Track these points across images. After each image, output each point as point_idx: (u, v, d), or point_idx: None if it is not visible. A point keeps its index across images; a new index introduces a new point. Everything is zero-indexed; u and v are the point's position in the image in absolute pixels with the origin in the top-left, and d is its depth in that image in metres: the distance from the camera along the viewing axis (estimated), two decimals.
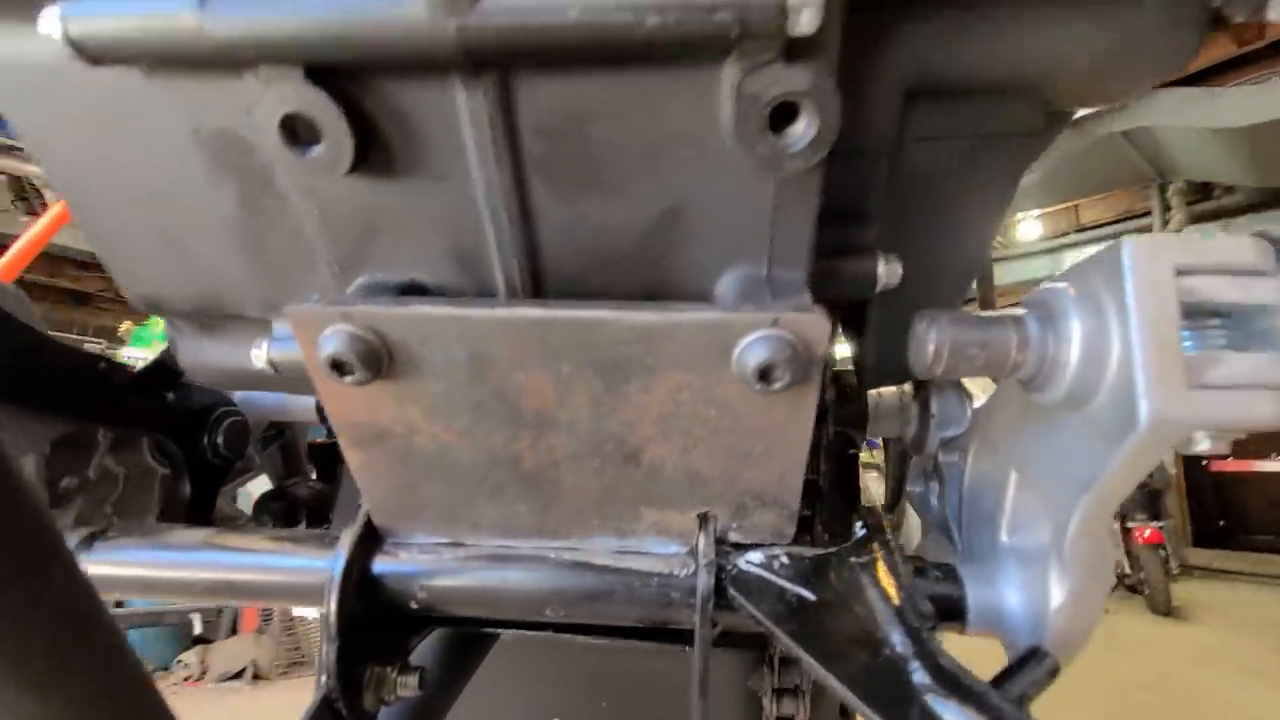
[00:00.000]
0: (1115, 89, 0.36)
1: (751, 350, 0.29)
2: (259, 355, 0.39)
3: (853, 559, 0.37)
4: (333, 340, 0.30)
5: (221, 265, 0.36)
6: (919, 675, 0.31)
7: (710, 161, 0.28)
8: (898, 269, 0.37)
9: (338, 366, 0.31)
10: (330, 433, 0.85)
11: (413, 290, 0.34)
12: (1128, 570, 4.41)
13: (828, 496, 0.47)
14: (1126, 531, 4.33)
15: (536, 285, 0.33)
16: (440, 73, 0.26)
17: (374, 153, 0.28)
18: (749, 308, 0.29)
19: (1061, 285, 0.30)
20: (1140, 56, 0.33)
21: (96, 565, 0.42)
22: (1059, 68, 0.32)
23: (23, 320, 0.42)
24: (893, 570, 0.36)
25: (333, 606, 0.37)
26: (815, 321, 0.28)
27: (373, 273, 0.34)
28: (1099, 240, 4.88)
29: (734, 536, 0.38)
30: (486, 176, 0.29)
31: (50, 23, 0.25)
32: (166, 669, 3.66)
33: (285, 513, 0.67)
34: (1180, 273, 0.28)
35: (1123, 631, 3.87)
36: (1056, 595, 0.33)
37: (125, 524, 0.45)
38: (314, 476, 0.79)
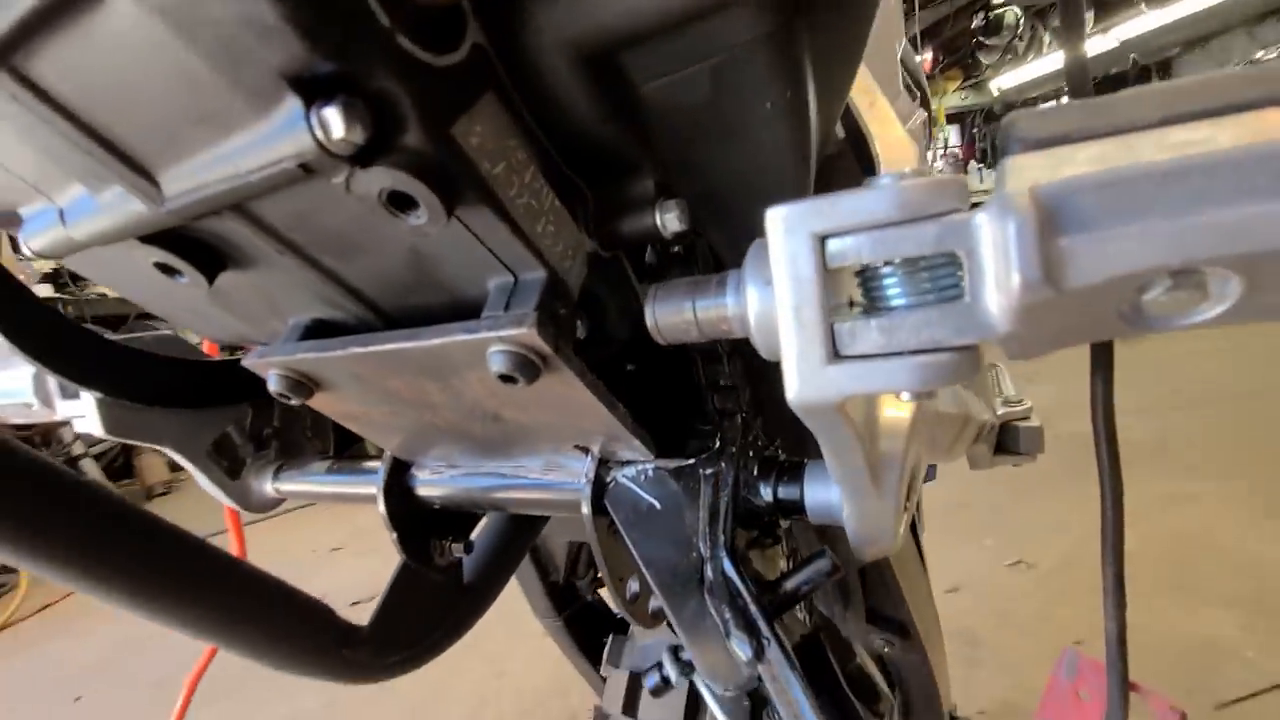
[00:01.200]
0: None
1: (492, 361, 0.35)
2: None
3: (701, 470, 0.43)
4: (273, 380, 0.44)
5: (224, 321, 0.52)
6: (708, 575, 0.38)
7: (395, 223, 0.32)
8: (675, 214, 0.37)
9: (283, 395, 0.45)
10: None
11: (318, 328, 0.45)
12: None
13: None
14: None
15: (381, 314, 0.42)
16: (203, 220, 0.35)
17: (226, 269, 0.39)
18: (483, 326, 0.35)
19: (752, 251, 0.30)
20: None
21: (283, 485, 0.68)
22: None
23: (191, 355, 0.65)
24: (728, 480, 0.41)
25: (381, 509, 0.56)
26: (527, 335, 0.33)
27: (295, 316, 0.47)
28: None
29: (617, 455, 0.46)
30: (289, 261, 0.38)
31: (24, 247, 0.39)
32: None
33: None
34: (825, 237, 0.26)
35: None
36: (844, 507, 0.36)
37: (300, 458, 0.71)
38: None
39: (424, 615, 0.61)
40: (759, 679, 0.33)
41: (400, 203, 0.29)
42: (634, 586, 0.49)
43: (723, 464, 0.42)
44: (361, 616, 0.57)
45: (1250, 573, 2.37)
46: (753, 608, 0.35)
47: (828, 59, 0.35)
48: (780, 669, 0.32)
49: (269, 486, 0.69)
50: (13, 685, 3.15)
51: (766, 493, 0.41)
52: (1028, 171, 0.23)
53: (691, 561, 0.39)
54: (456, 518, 0.60)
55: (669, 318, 0.32)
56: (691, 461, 0.43)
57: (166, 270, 0.39)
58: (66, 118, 0.28)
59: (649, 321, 0.33)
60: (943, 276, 0.27)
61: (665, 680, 0.44)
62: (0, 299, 0.50)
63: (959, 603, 2.47)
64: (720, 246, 0.43)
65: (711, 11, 0.29)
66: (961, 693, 1.91)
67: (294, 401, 0.45)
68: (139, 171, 0.30)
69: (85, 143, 0.29)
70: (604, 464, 0.46)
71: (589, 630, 1.14)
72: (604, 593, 1.24)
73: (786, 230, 0.26)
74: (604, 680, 1.01)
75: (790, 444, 0.50)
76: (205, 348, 0.74)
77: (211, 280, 0.39)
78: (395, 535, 0.57)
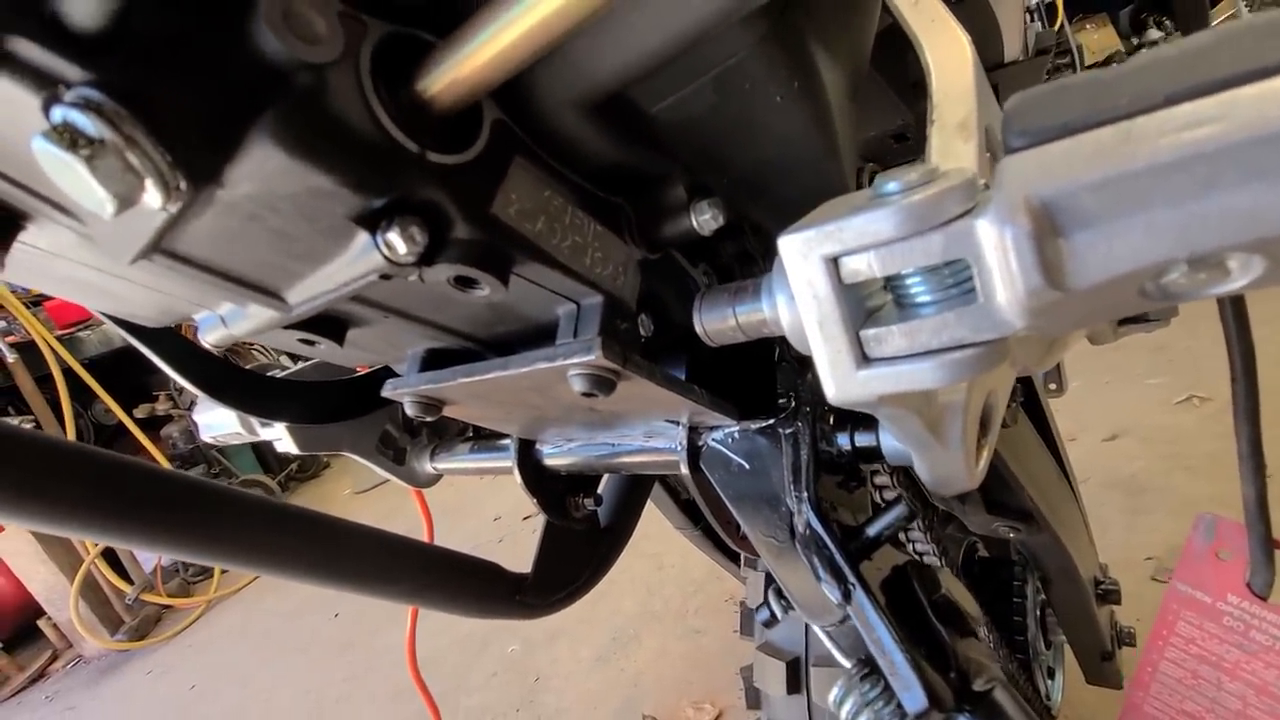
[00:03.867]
0: None
1: (573, 383, 0.40)
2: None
3: (780, 429, 0.46)
4: (408, 405, 0.53)
5: (362, 356, 0.61)
6: (798, 527, 0.43)
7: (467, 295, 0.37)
8: (710, 212, 0.38)
9: (418, 415, 0.54)
10: None
11: (433, 357, 0.53)
12: None
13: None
14: None
15: (480, 342, 0.48)
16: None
17: (349, 330, 0.47)
18: (559, 354, 0.40)
19: (778, 265, 0.31)
20: None
21: (440, 464, 0.80)
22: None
23: (345, 374, 0.77)
24: (809, 437, 0.45)
25: (518, 479, 0.66)
26: (595, 359, 0.38)
27: (413, 349, 0.54)
28: None
29: (706, 422, 0.51)
30: (394, 320, 0.44)
31: (202, 341, 0.49)
32: None
33: None
34: (835, 259, 0.27)
35: None
36: (914, 459, 0.38)
37: (448, 441, 0.83)
38: None
39: (573, 559, 0.72)
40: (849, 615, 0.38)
41: (466, 283, 0.34)
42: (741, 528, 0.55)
43: (799, 423, 0.45)
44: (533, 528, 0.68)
45: None
46: (838, 556, 0.39)
47: (836, 27, 0.34)
48: (866, 610, 0.37)
49: (429, 466, 0.82)
50: (271, 621, 3.76)
51: (844, 442, 0.44)
52: (1025, 173, 0.23)
53: (781, 515, 0.44)
54: (583, 478, 0.69)
55: (714, 324, 0.35)
56: (771, 422, 0.47)
57: (307, 342, 0.47)
58: (205, 270, 0.35)
59: (698, 329, 0.36)
60: (962, 272, 0.27)
61: (773, 614, 0.51)
62: (201, 368, 0.63)
63: (1122, 449, 2.33)
64: (765, 222, 0.44)
65: (694, 44, 0.29)
66: (1123, 542, 1.86)
67: (428, 418, 0.54)
68: (267, 294, 0.37)
69: (223, 284, 0.36)
70: (694, 430, 0.51)
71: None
72: None
73: (799, 256, 0.28)
74: (744, 579, 1.11)
75: None
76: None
77: (341, 343, 0.47)
78: (534, 500, 0.66)
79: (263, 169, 0.26)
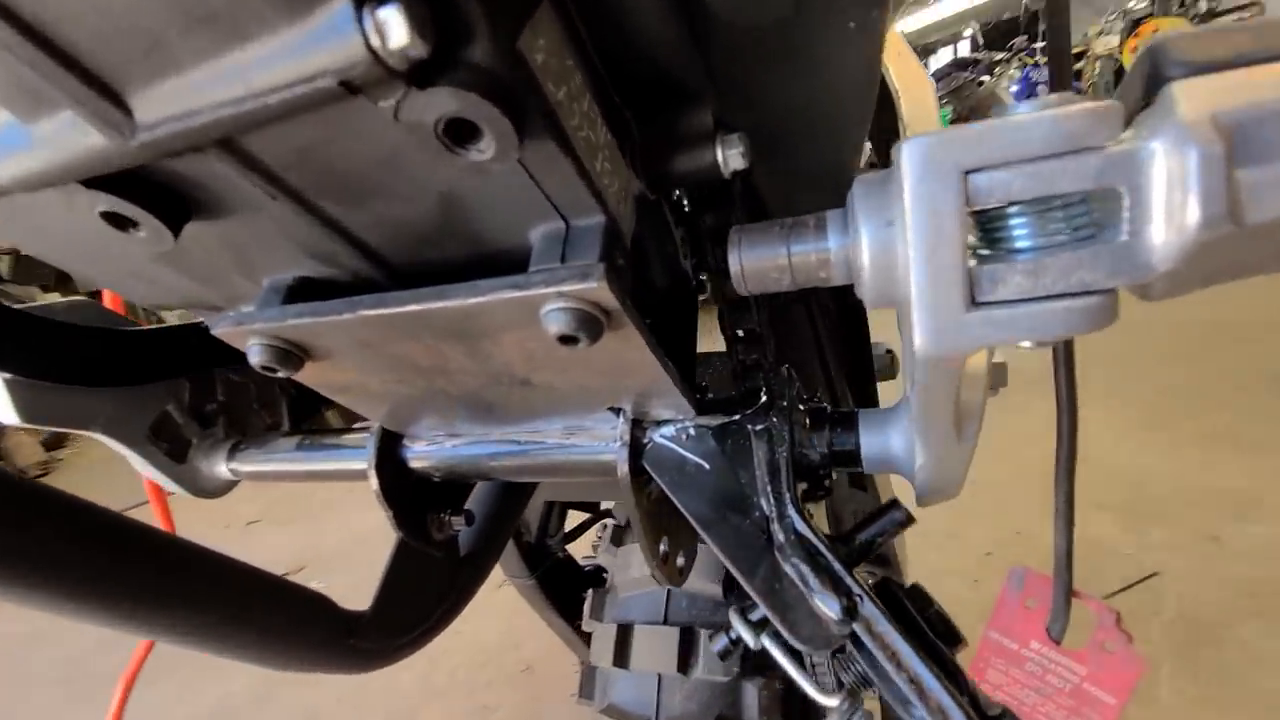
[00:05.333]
0: None
1: (550, 320, 0.31)
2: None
3: (750, 426, 0.41)
4: (256, 351, 0.38)
5: (174, 283, 0.44)
6: (777, 535, 0.37)
7: (442, 160, 0.27)
8: (739, 149, 0.33)
9: (268, 368, 0.38)
10: None
11: (304, 288, 0.39)
12: None
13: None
14: None
15: (386, 268, 0.36)
16: (178, 158, 0.28)
17: (196, 216, 0.32)
18: (538, 280, 0.30)
19: (860, 189, 0.27)
20: None
21: (242, 465, 0.60)
22: None
23: (115, 323, 0.55)
24: (781, 435, 0.39)
25: (374, 486, 0.51)
26: (596, 289, 0.29)
27: (273, 275, 0.40)
28: None
29: (651, 414, 0.43)
30: (279, 208, 0.31)
31: None
32: None
33: None
34: (970, 171, 0.23)
35: None
36: (918, 457, 0.35)
37: (256, 436, 0.63)
38: None
39: (425, 592, 0.57)
40: (850, 635, 0.33)
41: (460, 134, 0.24)
42: (663, 547, 0.47)
43: (774, 418, 0.40)
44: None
45: (1124, 479, 2.69)
46: (836, 565, 0.34)
47: None
48: (877, 624, 0.32)
49: (222, 468, 0.61)
50: None
51: (820, 445, 0.40)
52: (1201, 97, 0.22)
53: (755, 521, 0.38)
54: (452, 489, 0.56)
55: (758, 263, 0.29)
56: (737, 417, 0.41)
57: (117, 222, 0.31)
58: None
59: (733, 268, 0.30)
60: (1077, 216, 0.25)
61: (735, 642, 0.44)
62: None
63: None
64: (764, 187, 0.40)
65: None
66: None
67: (280, 374, 0.39)
68: (103, 92, 0.23)
69: (27, 50, 0.21)
70: (637, 425, 0.43)
71: (560, 587, 1.13)
72: (573, 548, 1.23)
73: (927, 163, 0.23)
74: (582, 635, 1.01)
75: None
76: (107, 301, 0.63)
77: (177, 233, 0.32)
78: (391, 513, 0.52)
79: None
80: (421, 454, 0.52)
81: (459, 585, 0.59)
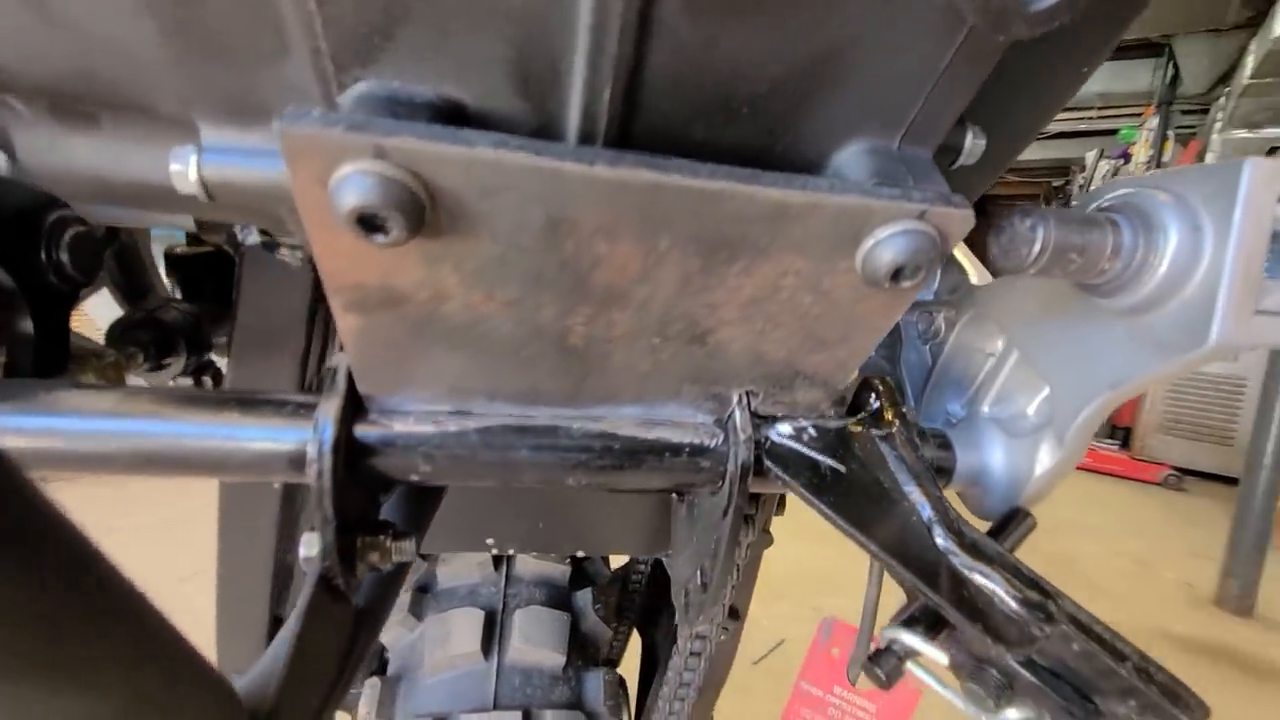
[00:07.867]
0: None
1: (888, 245, 0.25)
2: (183, 172, 0.27)
3: (873, 430, 0.39)
4: (358, 185, 0.21)
5: (121, 30, 0.23)
6: (943, 540, 0.34)
7: None
8: (981, 143, 0.34)
9: (366, 222, 0.22)
10: (196, 239, 0.68)
11: (450, 113, 0.24)
12: None
13: None
14: None
15: (623, 128, 0.25)
16: None
17: None
18: (893, 193, 0.25)
19: (1162, 197, 0.30)
20: None
21: None
22: None
23: None
24: (908, 441, 0.38)
25: (327, 485, 0.32)
26: (963, 217, 0.25)
27: (383, 77, 0.24)
28: None
29: (764, 409, 0.37)
30: None
31: None
32: None
33: (158, 343, 0.54)
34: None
35: None
36: (1044, 463, 0.38)
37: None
38: (177, 294, 0.64)
39: (327, 665, 0.36)
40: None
41: None
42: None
43: (897, 423, 0.38)
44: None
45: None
46: (1022, 566, 0.33)
47: None
48: (1080, 617, 0.31)
49: None
50: None
51: (925, 456, 0.39)
52: None
53: (913, 526, 0.34)
54: (417, 499, 0.38)
55: (1061, 249, 0.29)
56: (862, 415, 0.38)
57: None
58: None
59: (1032, 246, 0.29)
60: None
61: (900, 659, 0.37)
62: None
63: None
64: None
65: None
66: None
67: (383, 237, 0.23)
68: None
69: None
70: (759, 418, 0.37)
71: None
72: None
73: (1265, 184, 0.28)
74: None
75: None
76: None
77: None
78: (330, 532, 0.33)
79: None
80: (404, 434, 0.35)
81: (356, 650, 0.39)
